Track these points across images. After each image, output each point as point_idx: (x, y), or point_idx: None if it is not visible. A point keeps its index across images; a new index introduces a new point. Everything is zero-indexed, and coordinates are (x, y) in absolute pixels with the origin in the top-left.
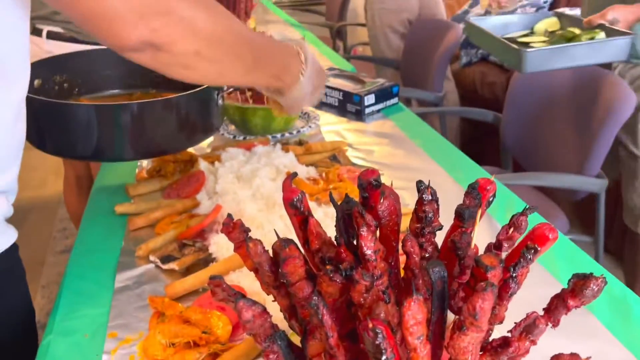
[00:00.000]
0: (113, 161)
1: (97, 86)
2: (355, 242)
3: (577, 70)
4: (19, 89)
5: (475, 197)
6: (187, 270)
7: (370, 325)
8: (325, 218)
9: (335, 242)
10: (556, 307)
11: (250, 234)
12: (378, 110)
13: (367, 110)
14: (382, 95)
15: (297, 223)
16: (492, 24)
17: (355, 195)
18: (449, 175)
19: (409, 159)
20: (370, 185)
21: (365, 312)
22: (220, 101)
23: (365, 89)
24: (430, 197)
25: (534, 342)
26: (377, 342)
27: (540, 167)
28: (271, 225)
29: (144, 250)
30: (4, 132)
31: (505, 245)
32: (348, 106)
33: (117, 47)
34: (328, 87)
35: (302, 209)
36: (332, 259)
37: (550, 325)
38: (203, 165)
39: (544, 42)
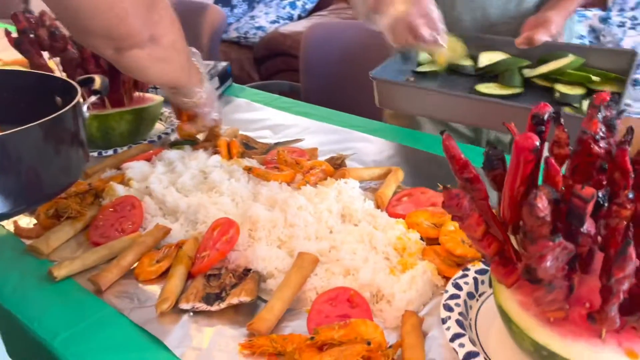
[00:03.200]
0: None
1: None
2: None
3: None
4: None
5: (615, 108)
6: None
7: None
8: (315, 198)
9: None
10: None
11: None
12: (222, 94)
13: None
14: (223, 77)
15: (527, 171)
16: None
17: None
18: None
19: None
20: (551, 118)
21: None
22: (87, 114)
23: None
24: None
25: None
26: None
27: None
28: (298, 219)
29: (169, 301)
30: None
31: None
32: None
33: (126, 42)
34: None
35: (540, 154)
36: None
37: None
38: (120, 189)
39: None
